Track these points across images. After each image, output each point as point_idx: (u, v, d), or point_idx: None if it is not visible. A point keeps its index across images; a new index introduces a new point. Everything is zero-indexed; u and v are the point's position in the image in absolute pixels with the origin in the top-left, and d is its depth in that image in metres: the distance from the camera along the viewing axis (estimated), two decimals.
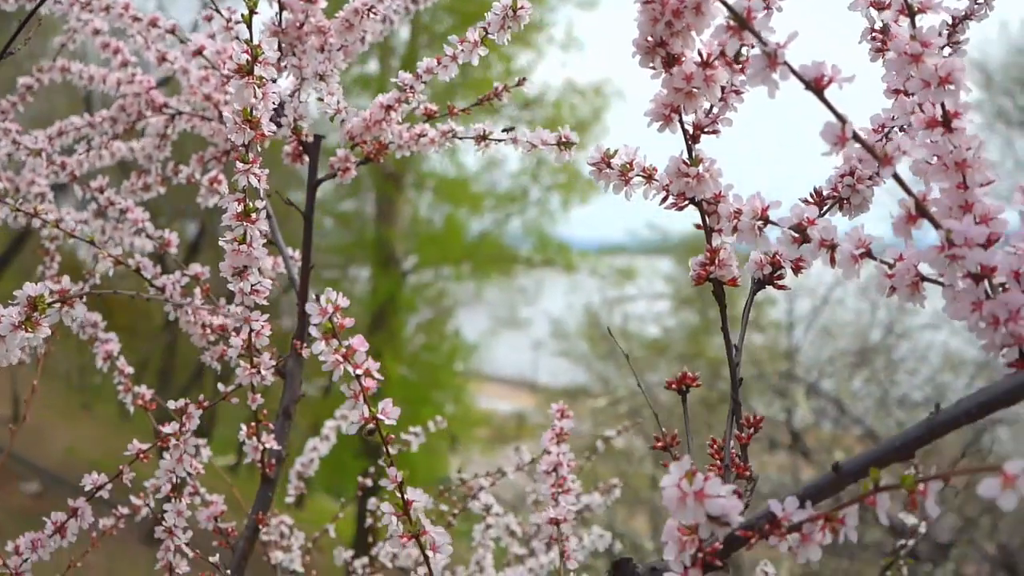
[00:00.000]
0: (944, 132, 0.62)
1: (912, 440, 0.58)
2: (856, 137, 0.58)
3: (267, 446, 1.09)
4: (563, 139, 0.98)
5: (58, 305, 0.75)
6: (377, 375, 0.72)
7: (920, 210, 0.59)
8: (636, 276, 11.43)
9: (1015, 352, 0.58)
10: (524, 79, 1.15)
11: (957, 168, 0.61)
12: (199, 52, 1.18)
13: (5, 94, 1.45)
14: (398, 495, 0.74)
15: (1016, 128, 9.93)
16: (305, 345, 1.11)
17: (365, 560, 1.53)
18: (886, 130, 0.78)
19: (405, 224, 12.12)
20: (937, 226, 0.59)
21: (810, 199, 0.79)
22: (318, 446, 1.63)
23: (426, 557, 0.74)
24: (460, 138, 1.10)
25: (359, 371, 0.71)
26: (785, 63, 0.57)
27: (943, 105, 0.62)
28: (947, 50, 0.82)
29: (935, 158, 0.63)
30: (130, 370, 1.21)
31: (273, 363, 1.02)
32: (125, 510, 1.24)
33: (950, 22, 0.82)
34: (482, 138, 1.08)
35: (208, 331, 1.16)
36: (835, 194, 0.78)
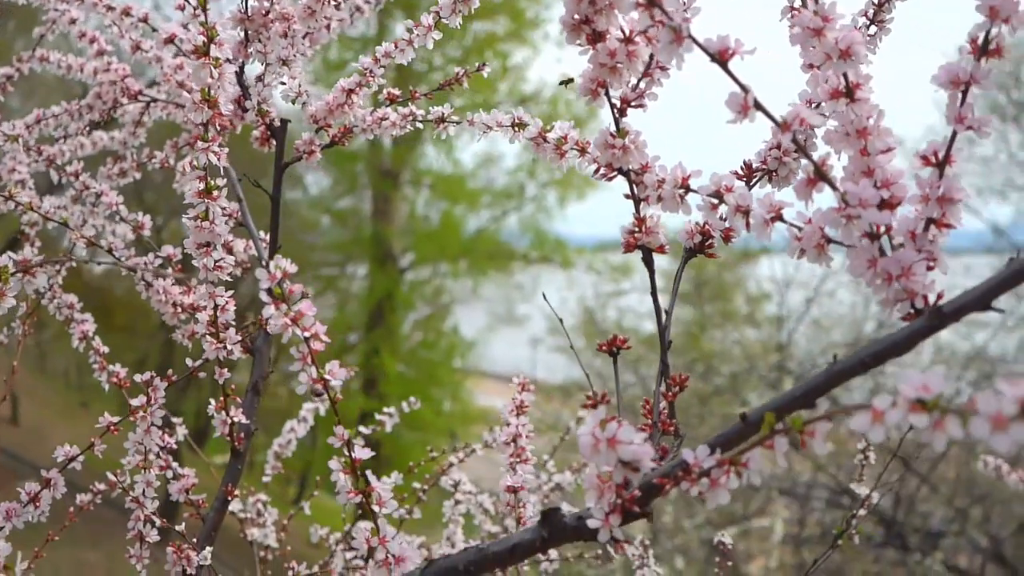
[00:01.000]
0: (848, 102, 0.66)
1: (813, 389, 0.62)
2: (757, 106, 0.62)
3: (235, 420, 1.12)
4: (516, 121, 1.02)
5: (20, 275, 0.79)
6: (324, 338, 0.75)
7: (819, 174, 0.63)
8: (633, 272, 11.47)
9: (907, 305, 0.62)
10: (483, 64, 1.19)
11: (859, 135, 0.65)
12: (170, 40, 1.22)
13: None
14: (346, 453, 0.78)
15: (1010, 122, 9.95)
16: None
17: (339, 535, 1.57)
18: (813, 105, 0.82)
19: (402, 221, 12.16)
20: (835, 188, 0.63)
21: (739, 171, 0.83)
22: (295, 427, 1.67)
23: (372, 512, 0.78)
24: (421, 121, 1.14)
25: (308, 334, 0.75)
26: (690, 37, 0.61)
27: (845, 76, 0.66)
28: (872, 28, 0.86)
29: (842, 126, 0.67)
30: (105, 349, 1.25)
31: (239, 338, 1.06)
32: (101, 486, 1.27)
33: (876, 1, 0.86)
34: (440, 120, 1.12)
35: (179, 310, 1.20)
36: (763, 166, 0.82)
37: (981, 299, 0.58)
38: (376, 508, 0.77)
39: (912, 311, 0.62)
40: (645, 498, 0.67)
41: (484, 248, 12.05)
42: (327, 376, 0.76)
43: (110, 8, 1.25)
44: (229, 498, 1.15)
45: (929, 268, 0.63)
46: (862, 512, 1.24)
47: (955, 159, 0.64)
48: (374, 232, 11.69)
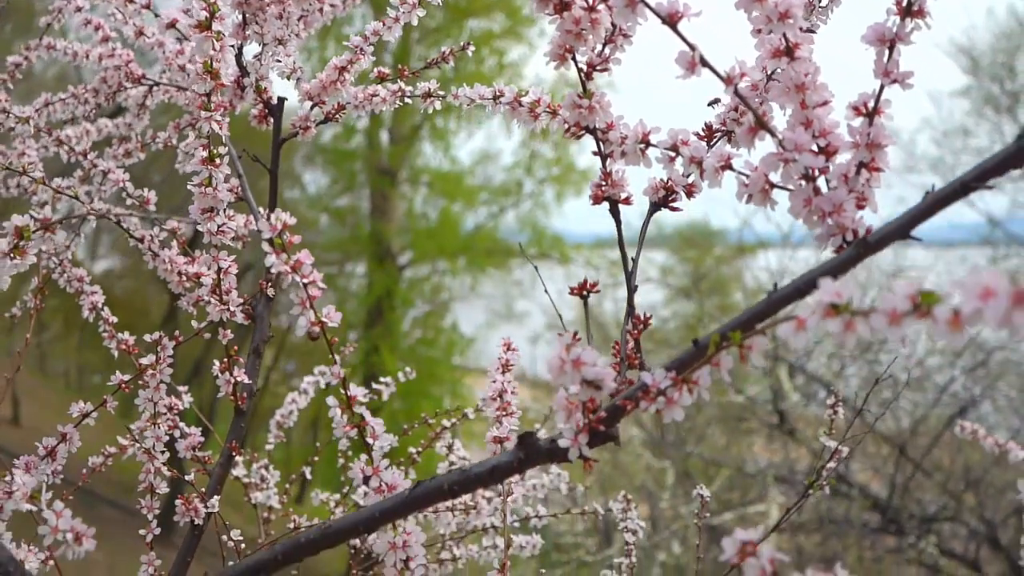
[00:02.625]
0: (788, 61, 0.73)
1: (755, 315, 0.69)
2: (703, 62, 0.69)
3: (239, 380, 1.20)
4: (497, 93, 1.09)
5: (41, 232, 0.86)
6: (321, 285, 0.83)
7: (759, 123, 0.70)
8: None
9: (839, 239, 0.69)
10: (468, 44, 1.26)
11: (798, 90, 0.73)
12: (172, 25, 1.29)
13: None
14: (342, 391, 0.85)
15: (1004, 114, 10.02)
16: (271, 285, 1.22)
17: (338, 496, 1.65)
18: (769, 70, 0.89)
19: (400, 219, 12.23)
20: (773, 135, 0.70)
21: (700, 132, 0.90)
22: (296, 399, 1.75)
23: (367, 445, 0.85)
24: (409, 96, 1.22)
25: (306, 280, 0.82)
26: (642, 1, 0.68)
27: (785, 37, 0.73)
28: (824, 1, 0.93)
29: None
30: (114, 319, 1.32)
31: (241, 301, 1.13)
32: (113, 449, 1.35)
33: None
34: (427, 95, 1.19)
35: (184, 278, 1.27)
36: (723, 127, 0.89)
37: (901, 229, 0.65)
38: (370, 441, 0.85)
39: (843, 244, 0.69)
40: (611, 419, 0.74)
41: (482, 245, 12.11)
42: (324, 319, 0.83)
43: None
44: (233, 453, 1.22)
45: (860, 207, 0.70)
46: (831, 465, 1.31)
47: (883, 110, 0.71)
48: (372, 230, 11.76)
